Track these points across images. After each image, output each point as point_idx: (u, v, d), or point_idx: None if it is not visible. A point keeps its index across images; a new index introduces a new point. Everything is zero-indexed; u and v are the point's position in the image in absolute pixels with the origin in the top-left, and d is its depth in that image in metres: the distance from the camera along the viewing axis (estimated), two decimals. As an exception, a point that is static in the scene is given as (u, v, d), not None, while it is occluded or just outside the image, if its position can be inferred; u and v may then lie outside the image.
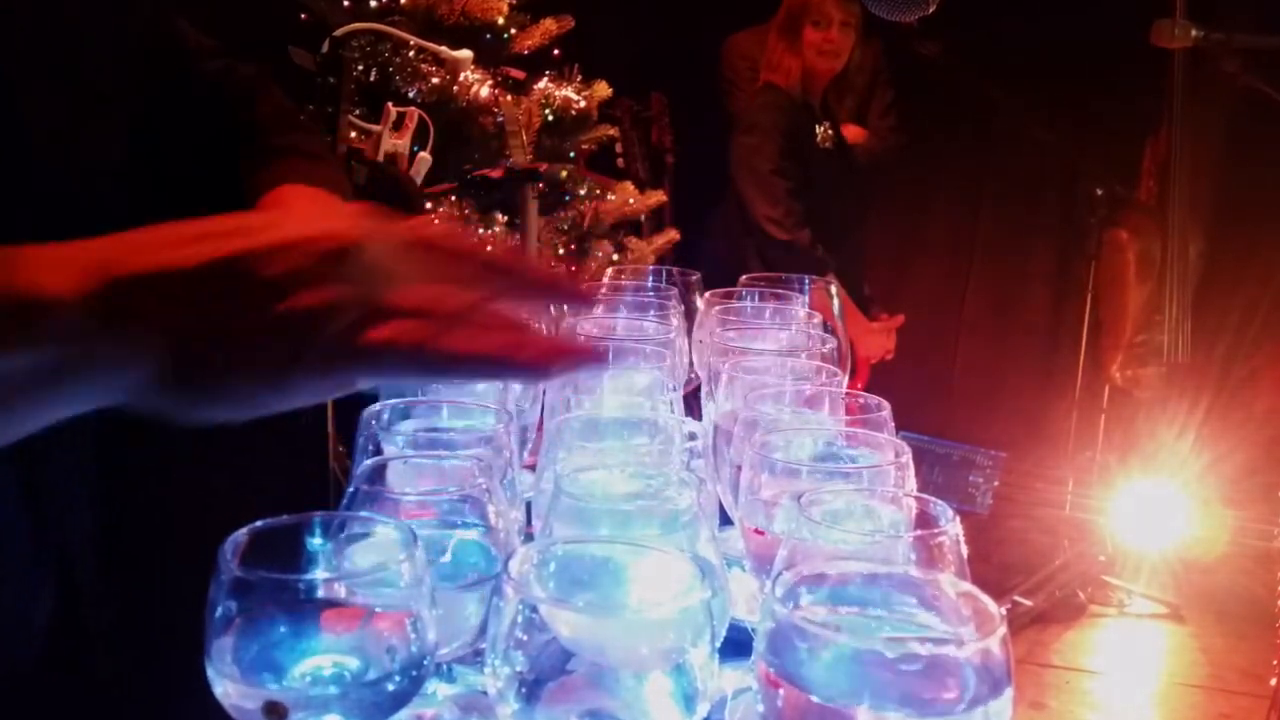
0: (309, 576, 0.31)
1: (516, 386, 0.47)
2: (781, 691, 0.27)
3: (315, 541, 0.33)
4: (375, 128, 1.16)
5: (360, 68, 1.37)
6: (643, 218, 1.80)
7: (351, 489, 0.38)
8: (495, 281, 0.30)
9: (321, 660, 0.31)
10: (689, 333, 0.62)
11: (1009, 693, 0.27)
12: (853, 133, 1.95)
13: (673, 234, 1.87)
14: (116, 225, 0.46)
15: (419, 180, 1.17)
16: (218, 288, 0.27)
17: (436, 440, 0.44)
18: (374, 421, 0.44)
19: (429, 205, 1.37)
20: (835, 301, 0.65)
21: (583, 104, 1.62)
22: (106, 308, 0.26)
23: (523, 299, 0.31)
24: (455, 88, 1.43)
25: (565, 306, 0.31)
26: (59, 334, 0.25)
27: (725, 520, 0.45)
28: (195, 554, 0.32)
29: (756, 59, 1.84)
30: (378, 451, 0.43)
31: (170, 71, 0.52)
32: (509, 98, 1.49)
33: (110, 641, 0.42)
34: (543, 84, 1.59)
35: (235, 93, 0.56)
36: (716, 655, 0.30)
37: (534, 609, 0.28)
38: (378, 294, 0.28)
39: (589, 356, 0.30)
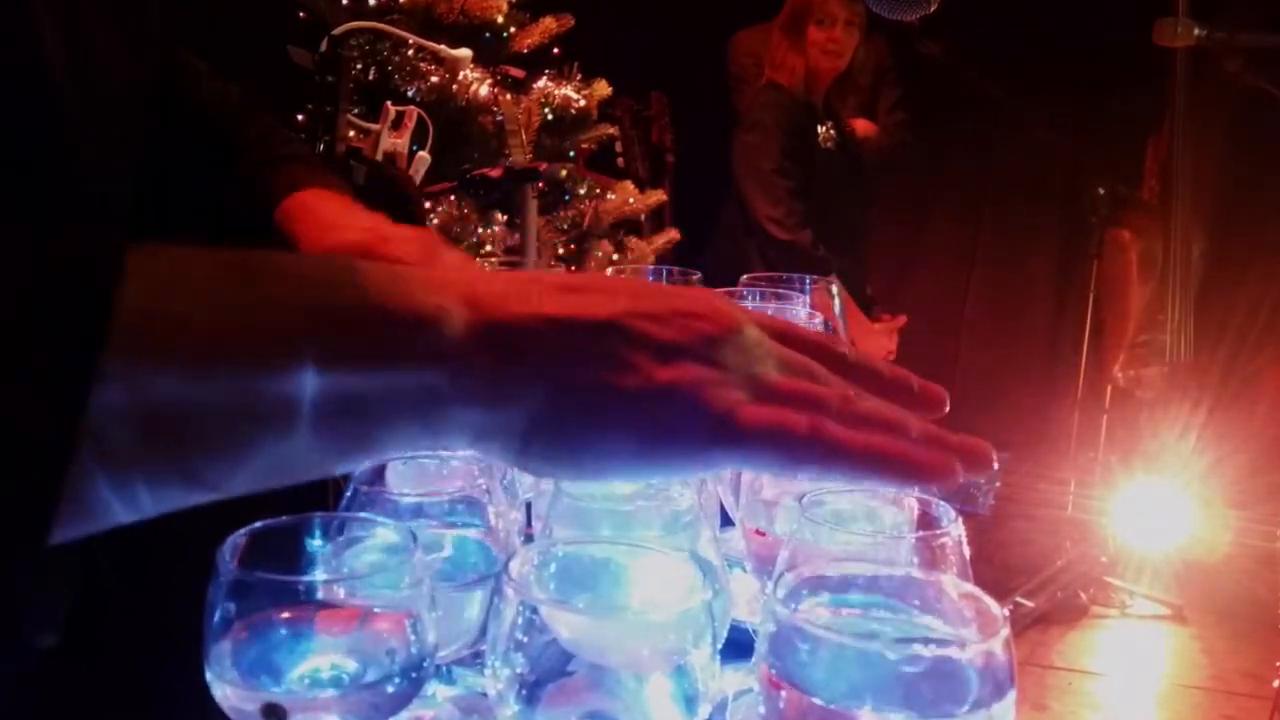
0: (308, 578, 0.31)
1: None
2: (783, 693, 0.27)
3: (314, 543, 0.33)
4: (374, 127, 1.16)
5: (359, 66, 1.38)
6: (643, 217, 1.80)
7: (350, 490, 0.37)
8: (854, 378, 0.27)
9: (321, 662, 0.31)
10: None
11: (1012, 695, 0.27)
12: (863, 126, 1.94)
13: (673, 234, 1.87)
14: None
15: (418, 179, 1.17)
16: (601, 344, 0.24)
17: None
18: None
19: (428, 205, 1.37)
20: (837, 301, 0.65)
21: (582, 103, 1.62)
22: (489, 341, 0.23)
23: (880, 397, 0.28)
24: (454, 86, 1.43)
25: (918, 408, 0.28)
26: (442, 355, 0.23)
27: (726, 521, 0.44)
28: (192, 555, 0.31)
29: (763, 56, 1.84)
30: (377, 452, 0.43)
31: (170, 90, 0.52)
32: (508, 96, 1.49)
33: (104, 643, 0.42)
34: (542, 83, 1.59)
35: (227, 116, 0.56)
36: (718, 657, 0.30)
37: (534, 610, 0.28)
38: (758, 376, 0.26)
39: (983, 457, 0.26)
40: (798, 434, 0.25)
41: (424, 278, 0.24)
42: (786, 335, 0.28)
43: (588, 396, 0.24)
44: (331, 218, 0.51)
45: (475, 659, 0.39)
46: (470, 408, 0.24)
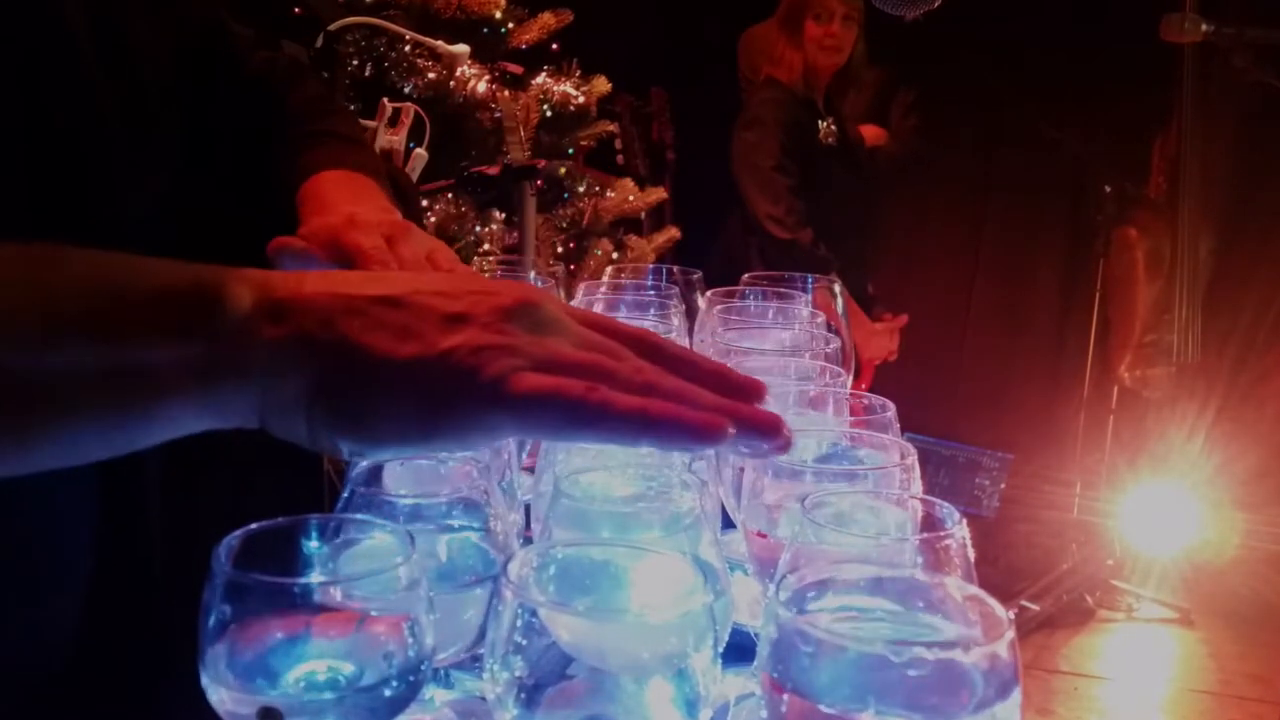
0: (305, 580, 0.31)
1: None
2: (785, 697, 0.26)
3: (311, 544, 0.33)
4: (370, 124, 1.16)
5: (355, 62, 1.37)
6: (643, 215, 1.79)
7: (348, 491, 0.37)
8: (667, 367, 0.29)
9: (317, 665, 0.30)
10: (690, 332, 0.62)
11: (1017, 699, 0.26)
12: (872, 133, 1.93)
13: (673, 232, 1.86)
14: (164, 220, 0.43)
15: (415, 177, 1.16)
16: (387, 315, 0.26)
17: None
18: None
19: (425, 203, 1.36)
20: (839, 301, 0.64)
21: (581, 99, 1.61)
22: (273, 316, 0.25)
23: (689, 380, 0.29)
24: (452, 83, 1.42)
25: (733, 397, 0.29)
26: (220, 329, 0.25)
27: (728, 523, 0.44)
28: (189, 557, 0.31)
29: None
30: (375, 452, 0.42)
31: (217, 65, 0.51)
32: (506, 93, 1.49)
33: (99, 645, 0.42)
34: (541, 79, 1.58)
35: (277, 84, 0.54)
36: (719, 660, 0.29)
37: (533, 613, 0.28)
38: (547, 346, 0.27)
39: (771, 428, 0.27)
40: (570, 397, 0.26)
41: (237, 271, 0.26)
42: (598, 325, 0.29)
43: (365, 365, 0.25)
44: (329, 203, 0.47)
45: (474, 662, 0.38)
46: (246, 382, 0.25)
